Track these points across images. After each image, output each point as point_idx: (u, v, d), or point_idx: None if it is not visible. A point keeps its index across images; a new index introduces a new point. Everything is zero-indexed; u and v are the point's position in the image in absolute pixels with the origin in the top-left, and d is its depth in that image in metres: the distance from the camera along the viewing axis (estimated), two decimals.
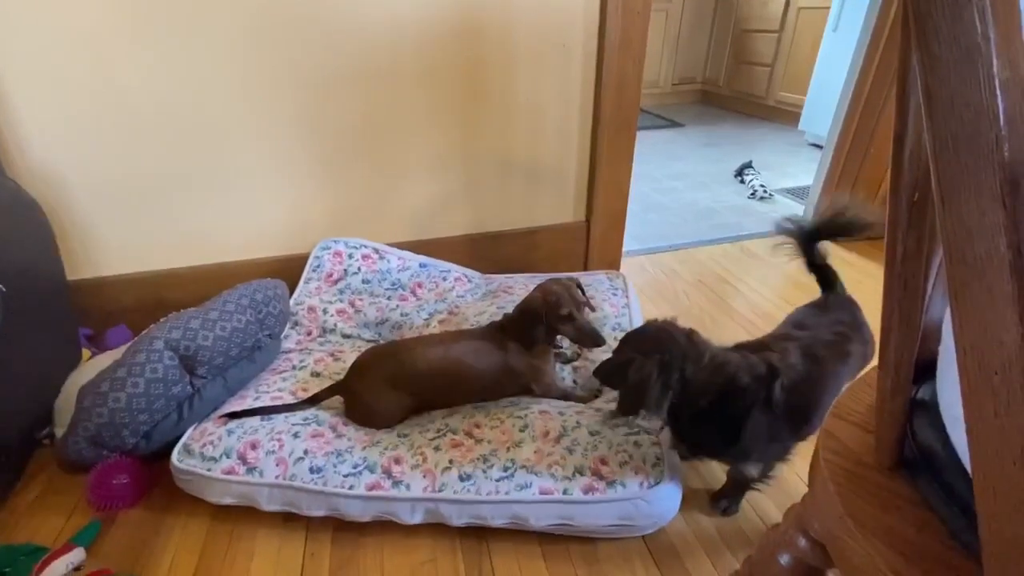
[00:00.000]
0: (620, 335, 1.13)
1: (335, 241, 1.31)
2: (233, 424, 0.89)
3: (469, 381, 0.96)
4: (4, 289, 0.88)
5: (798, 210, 2.05)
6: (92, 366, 1.00)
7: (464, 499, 0.80)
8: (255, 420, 0.90)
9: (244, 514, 0.86)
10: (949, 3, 0.22)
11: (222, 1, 1.05)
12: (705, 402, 0.71)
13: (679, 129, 3.39)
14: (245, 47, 1.10)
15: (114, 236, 1.21)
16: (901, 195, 0.33)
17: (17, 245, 0.98)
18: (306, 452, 0.85)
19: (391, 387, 0.93)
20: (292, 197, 1.28)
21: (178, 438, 0.89)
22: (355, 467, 0.84)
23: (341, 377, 0.97)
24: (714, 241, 1.84)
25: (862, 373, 0.58)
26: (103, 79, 1.06)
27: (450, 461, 0.84)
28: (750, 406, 0.70)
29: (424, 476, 0.82)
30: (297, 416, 0.92)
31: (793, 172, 2.52)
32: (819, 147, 2.23)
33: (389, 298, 1.29)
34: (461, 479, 0.82)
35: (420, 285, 1.34)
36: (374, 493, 0.81)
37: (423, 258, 1.38)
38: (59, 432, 0.94)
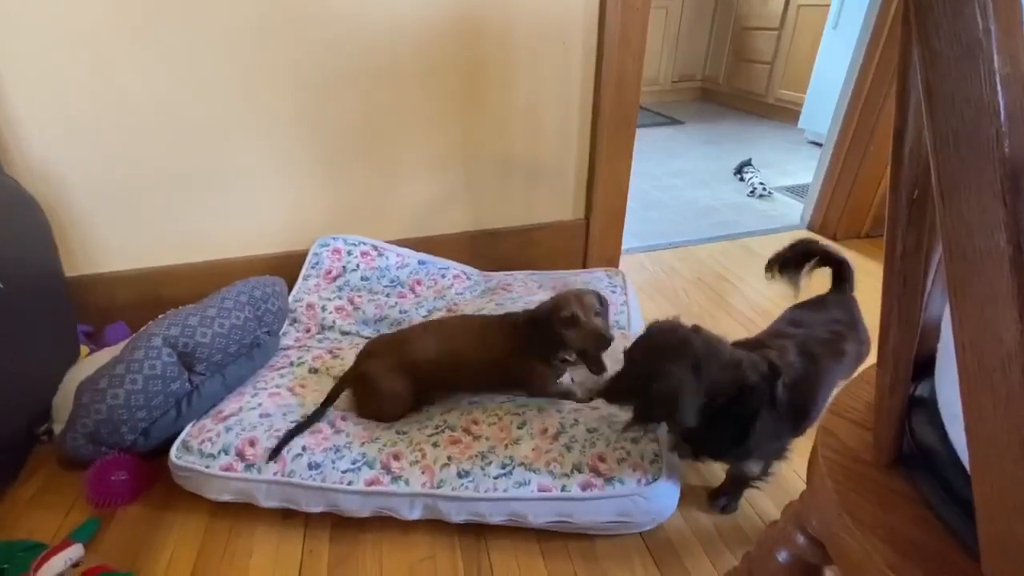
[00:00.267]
0: (619, 333, 1.13)
1: (334, 238, 1.31)
2: (231, 421, 0.89)
3: (469, 369, 0.96)
4: (2, 286, 0.88)
5: (797, 208, 2.05)
6: (90, 363, 1.00)
7: (462, 496, 0.80)
8: (254, 417, 0.90)
9: (243, 511, 0.86)
10: None
11: (222, 0, 1.05)
12: (720, 402, 0.69)
13: (679, 127, 3.39)
14: (245, 46, 1.10)
15: (113, 233, 1.21)
16: (901, 191, 0.33)
17: (16, 242, 0.98)
18: (304, 448, 0.85)
19: (398, 374, 0.93)
20: (291, 194, 1.28)
21: (176, 435, 0.89)
22: (354, 463, 0.84)
23: (340, 373, 0.97)
24: (713, 239, 1.84)
25: (860, 371, 0.58)
26: (103, 78, 1.06)
27: (448, 458, 0.84)
28: (759, 405, 0.69)
29: (423, 472, 0.82)
30: (295, 413, 0.92)
31: (793, 170, 2.52)
32: (819, 145, 2.23)
33: (388, 295, 1.29)
34: (459, 476, 0.82)
35: (419, 282, 1.34)
36: (373, 489, 0.81)
37: (422, 255, 1.38)
38: (57, 428, 0.94)
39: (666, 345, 0.71)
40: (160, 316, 0.94)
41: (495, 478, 0.81)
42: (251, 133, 1.19)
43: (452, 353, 0.95)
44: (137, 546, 0.82)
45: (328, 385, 1.02)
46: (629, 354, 0.75)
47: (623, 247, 1.60)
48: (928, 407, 0.43)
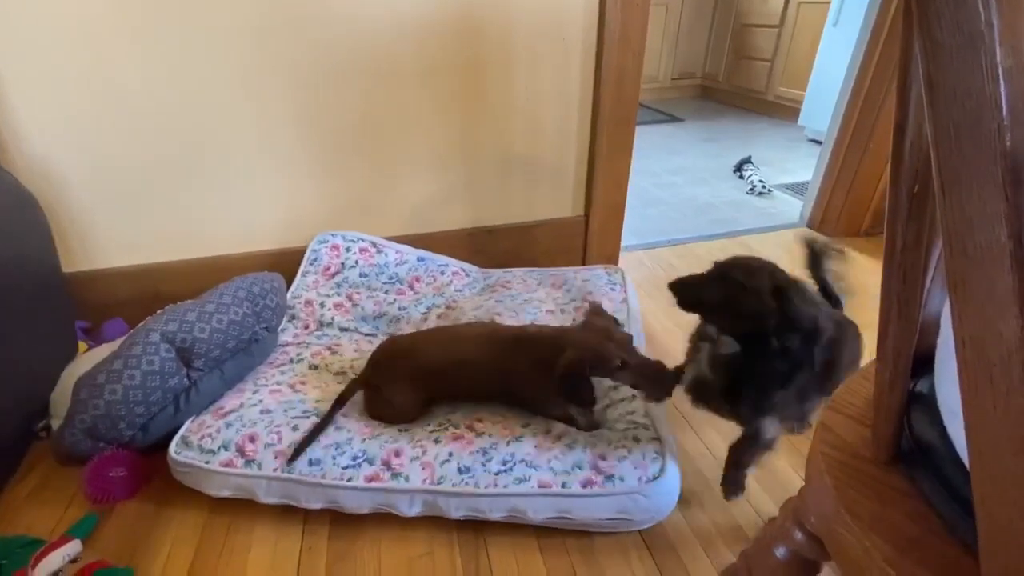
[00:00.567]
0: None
1: (332, 235, 1.31)
2: (232, 417, 0.89)
3: (480, 385, 0.94)
4: None
5: (797, 205, 2.05)
6: (88, 359, 0.99)
7: (462, 491, 0.80)
8: (254, 413, 0.90)
9: (241, 507, 0.86)
10: None
11: None
12: (781, 339, 0.68)
13: (678, 124, 3.38)
14: (244, 43, 1.10)
15: (111, 229, 1.21)
16: (901, 186, 0.33)
17: (14, 238, 0.97)
18: None
19: (408, 383, 0.92)
20: (290, 191, 1.28)
21: (175, 431, 0.89)
22: (354, 459, 0.84)
23: (340, 370, 0.97)
24: (713, 236, 1.84)
25: (860, 369, 0.58)
26: (102, 75, 1.06)
27: (450, 454, 0.84)
28: (810, 355, 0.68)
29: (423, 468, 0.82)
30: (296, 409, 0.92)
31: (792, 168, 2.52)
32: (818, 142, 2.23)
33: (387, 292, 1.29)
34: (460, 471, 0.82)
35: (418, 279, 1.34)
36: (373, 485, 0.81)
37: (421, 252, 1.37)
38: (55, 424, 0.94)
39: (760, 268, 0.71)
40: (158, 312, 0.94)
41: (496, 474, 0.81)
42: (250, 130, 1.18)
43: (462, 362, 0.92)
44: (135, 542, 0.82)
45: (328, 381, 1.02)
46: (719, 265, 0.74)
47: (622, 244, 1.59)
48: (927, 403, 0.43)
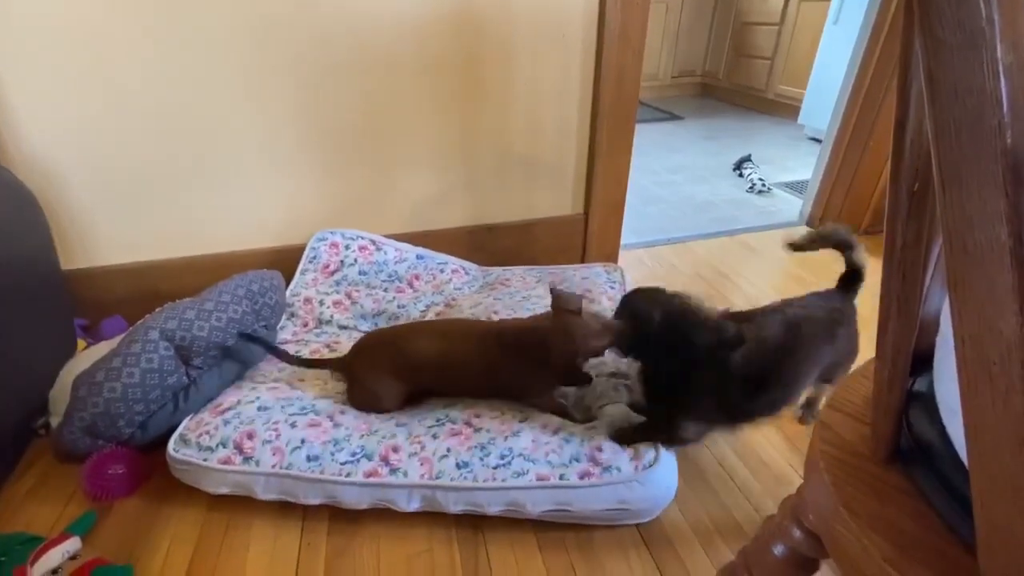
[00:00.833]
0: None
1: (331, 232, 1.31)
2: (229, 414, 0.89)
3: (461, 375, 0.94)
4: None
5: (796, 204, 2.05)
6: (87, 356, 0.99)
7: (461, 486, 0.80)
8: (252, 410, 0.90)
9: (240, 504, 0.86)
10: None
11: None
12: (679, 352, 0.76)
13: (678, 122, 3.38)
14: (243, 41, 1.09)
15: (110, 227, 1.20)
16: (901, 184, 0.33)
17: (13, 236, 0.97)
18: (303, 441, 0.85)
19: (390, 373, 0.93)
20: (289, 189, 1.27)
21: (174, 428, 0.89)
22: (353, 455, 0.84)
23: (344, 356, 0.97)
24: (712, 235, 1.84)
25: (858, 366, 0.58)
26: (101, 72, 1.05)
27: (448, 449, 0.84)
28: (705, 365, 0.75)
29: (421, 464, 0.82)
30: (294, 406, 0.92)
31: (792, 166, 2.52)
32: (818, 141, 2.23)
33: (386, 290, 1.29)
34: (458, 466, 0.82)
35: (417, 277, 1.33)
36: (371, 480, 0.81)
37: (420, 250, 1.37)
38: (54, 422, 0.94)
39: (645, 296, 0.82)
40: (157, 310, 0.94)
41: (494, 468, 0.81)
42: (250, 127, 1.18)
43: (445, 356, 0.92)
44: (134, 539, 0.82)
45: (326, 378, 1.02)
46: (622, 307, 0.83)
47: (622, 242, 1.59)
48: (926, 402, 0.43)
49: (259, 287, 1.03)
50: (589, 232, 1.51)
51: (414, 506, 0.82)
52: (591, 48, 1.29)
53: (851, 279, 0.88)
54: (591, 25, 1.26)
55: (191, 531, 0.84)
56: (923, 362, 0.44)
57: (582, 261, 1.56)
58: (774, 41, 3.28)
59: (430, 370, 0.93)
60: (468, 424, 0.90)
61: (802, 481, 0.52)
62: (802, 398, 0.99)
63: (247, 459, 0.83)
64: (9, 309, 0.92)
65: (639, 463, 0.81)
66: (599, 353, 0.85)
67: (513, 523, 0.84)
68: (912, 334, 0.38)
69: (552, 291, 0.85)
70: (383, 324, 1.22)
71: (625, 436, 0.85)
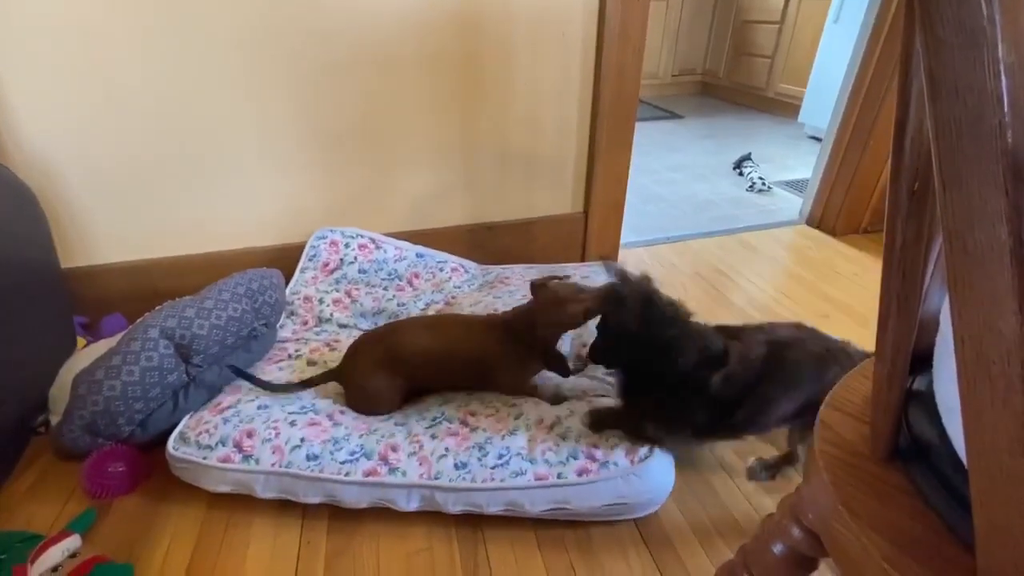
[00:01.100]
0: None
1: (331, 230, 1.31)
2: (229, 412, 0.89)
3: (451, 367, 0.96)
4: None
5: (796, 203, 2.05)
6: (87, 354, 0.99)
7: (459, 486, 0.80)
8: (251, 408, 0.90)
9: (240, 502, 0.86)
10: None
11: None
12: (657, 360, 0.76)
13: (678, 121, 3.38)
14: (243, 38, 1.09)
15: (110, 225, 1.20)
16: (901, 183, 0.33)
17: (12, 234, 0.97)
18: (303, 440, 0.85)
19: (383, 369, 0.93)
20: (289, 187, 1.27)
21: (174, 426, 0.89)
22: (352, 454, 0.84)
23: (337, 365, 0.97)
24: (712, 233, 1.84)
25: (858, 366, 0.58)
26: (100, 70, 1.05)
27: (446, 449, 0.84)
28: (680, 375, 0.75)
29: (420, 463, 0.83)
30: (294, 405, 0.92)
31: (792, 165, 2.52)
32: (819, 140, 2.23)
33: (386, 288, 1.29)
34: (456, 467, 0.82)
35: (417, 275, 1.33)
36: (370, 479, 0.81)
37: (420, 248, 1.37)
38: (54, 420, 0.94)
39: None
40: (157, 308, 0.94)
41: (492, 468, 0.81)
42: (249, 125, 1.18)
43: (435, 350, 0.94)
44: (134, 537, 0.82)
45: None
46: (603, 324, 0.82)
47: (621, 241, 1.59)
48: (925, 401, 0.43)
49: (259, 285, 1.03)
50: (589, 231, 1.51)
51: (413, 506, 0.82)
52: (591, 46, 1.29)
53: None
54: (591, 23, 1.26)
55: (191, 529, 0.84)
56: (922, 361, 0.44)
57: (582, 260, 1.56)
58: (774, 39, 3.28)
59: (421, 362, 0.94)
60: (464, 423, 0.90)
61: (801, 480, 0.52)
62: (775, 431, 0.93)
63: (247, 458, 0.83)
64: (9, 307, 0.92)
65: (634, 457, 0.81)
66: (582, 317, 0.86)
67: (512, 521, 0.84)
68: (912, 333, 0.38)
69: (531, 282, 0.92)
70: (383, 322, 1.22)
71: (599, 421, 0.86)
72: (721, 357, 0.74)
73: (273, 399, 0.93)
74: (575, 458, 0.82)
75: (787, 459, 0.92)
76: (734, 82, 3.73)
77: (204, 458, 0.84)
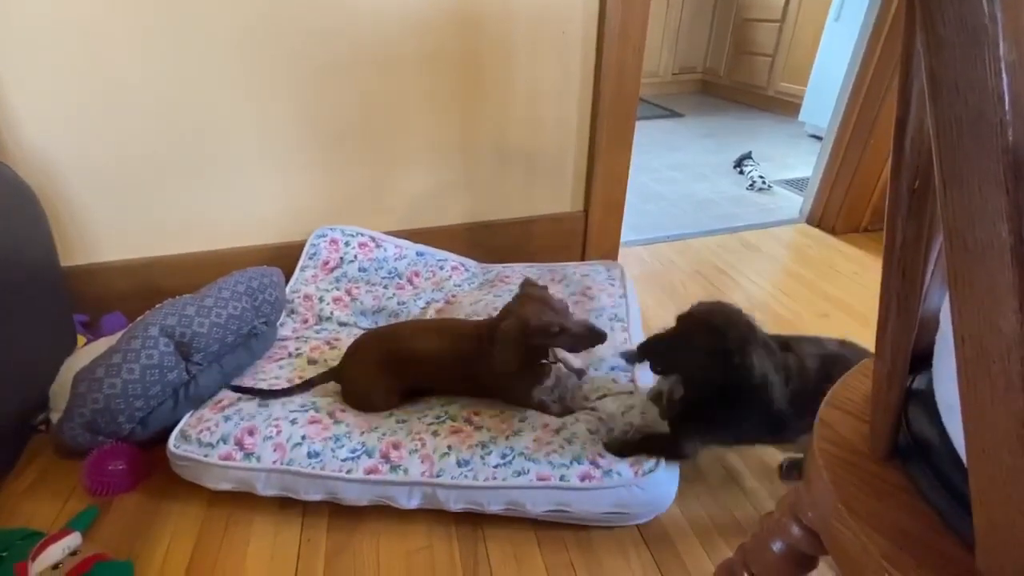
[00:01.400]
0: (618, 325, 1.13)
1: (331, 229, 1.31)
2: (230, 410, 0.89)
3: (455, 374, 0.95)
4: None
5: (797, 201, 2.05)
6: (87, 352, 0.99)
7: (461, 484, 0.80)
8: (252, 406, 0.90)
9: (240, 500, 0.86)
10: None
11: None
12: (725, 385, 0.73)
13: (679, 119, 3.37)
14: (243, 36, 1.09)
15: (110, 223, 1.20)
16: (902, 181, 0.33)
17: (12, 232, 0.97)
18: (304, 438, 0.85)
19: (381, 370, 0.93)
20: (289, 185, 1.27)
21: (174, 424, 0.89)
22: (353, 452, 0.84)
23: (337, 364, 0.98)
24: (712, 232, 1.84)
25: (858, 365, 0.58)
26: (101, 69, 1.05)
27: (448, 447, 0.84)
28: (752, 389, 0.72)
29: (422, 461, 0.83)
30: (295, 403, 0.92)
31: (793, 163, 2.52)
32: (819, 138, 2.22)
33: (386, 287, 1.29)
34: (459, 464, 0.82)
35: (417, 274, 1.33)
36: (372, 477, 0.81)
37: (420, 247, 1.37)
38: (55, 418, 0.94)
39: (719, 327, 0.73)
40: (157, 306, 0.94)
41: (494, 467, 0.82)
42: (249, 124, 1.18)
43: (435, 353, 0.93)
44: (135, 535, 0.83)
45: None
46: (681, 320, 0.77)
47: (621, 240, 1.59)
48: (925, 400, 0.43)
49: (259, 283, 1.03)
50: (589, 229, 1.51)
51: (414, 503, 0.82)
52: (591, 45, 1.29)
53: None
54: (591, 22, 1.26)
55: (192, 527, 0.84)
56: (922, 360, 0.44)
57: (582, 258, 1.56)
58: (775, 38, 3.27)
59: (419, 366, 0.94)
60: (468, 422, 0.90)
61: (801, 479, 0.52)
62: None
63: (248, 455, 0.83)
64: (9, 305, 0.92)
65: (639, 468, 0.81)
66: (550, 328, 0.82)
67: (513, 520, 0.84)
68: (912, 332, 0.38)
69: (524, 281, 0.91)
70: (383, 321, 1.22)
71: (623, 449, 0.84)
72: (786, 370, 0.73)
73: (274, 398, 0.93)
74: (579, 463, 0.82)
75: None
76: (735, 80, 3.73)
77: (205, 456, 0.84)
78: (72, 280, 1.19)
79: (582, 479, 0.80)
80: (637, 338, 1.10)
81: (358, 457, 0.83)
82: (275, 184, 1.26)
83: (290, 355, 1.07)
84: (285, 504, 0.86)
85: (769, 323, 1.34)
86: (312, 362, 1.06)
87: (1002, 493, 0.28)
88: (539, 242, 1.51)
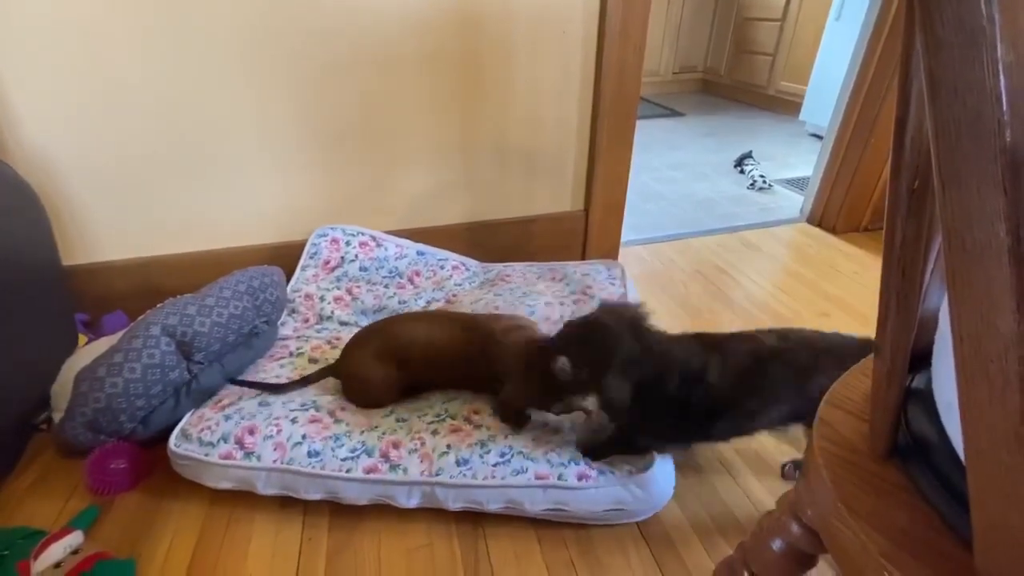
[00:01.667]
0: None
1: (332, 228, 1.31)
2: (231, 409, 0.89)
3: (454, 364, 0.95)
4: None
5: (797, 201, 2.05)
6: (89, 351, 1.00)
7: (460, 483, 0.81)
8: (253, 405, 0.90)
9: (241, 499, 0.87)
10: None
11: None
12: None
13: (679, 118, 3.37)
14: (243, 36, 1.09)
15: (110, 222, 1.20)
16: (901, 181, 0.33)
17: (13, 231, 0.97)
18: (304, 437, 0.85)
19: (379, 360, 0.93)
20: (289, 184, 1.27)
21: (175, 423, 0.89)
22: (353, 451, 0.84)
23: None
24: (713, 231, 1.84)
25: (858, 364, 0.58)
26: (101, 68, 1.05)
27: (448, 446, 0.84)
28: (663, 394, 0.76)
29: (422, 460, 0.83)
30: (295, 402, 0.92)
31: (793, 163, 2.52)
32: (820, 137, 2.23)
33: (387, 286, 1.29)
34: (458, 463, 0.82)
35: (418, 273, 1.34)
36: (371, 476, 0.81)
37: (421, 246, 1.37)
38: (56, 417, 0.94)
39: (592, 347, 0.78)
40: (158, 305, 0.94)
41: (493, 466, 0.82)
42: (249, 123, 1.18)
43: (430, 341, 0.94)
44: (136, 533, 0.83)
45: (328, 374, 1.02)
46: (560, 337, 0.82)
47: (622, 239, 1.59)
48: (924, 399, 0.43)
49: (260, 283, 1.03)
50: (589, 229, 1.51)
51: (414, 502, 0.82)
52: (592, 44, 1.29)
53: None
54: (592, 21, 1.26)
55: (193, 525, 0.84)
56: (922, 359, 0.44)
57: (582, 258, 1.56)
58: (776, 37, 3.27)
59: (417, 353, 0.94)
60: (468, 420, 0.90)
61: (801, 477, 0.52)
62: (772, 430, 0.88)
63: (248, 454, 0.84)
64: (10, 305, 0.93)
65: (635, 466, 0.81)
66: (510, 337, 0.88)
67: (513, 518, 0.84)
68: (911, 331, 0.38)
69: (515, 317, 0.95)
70: None
71: (596, 452, 0.85)
72: (700, 373, 0.75)
73: (274, 396, 0.94)
74: (576, 463, 0.82)
75: None
76: (735, 80, 3.73)
77: (206, 455, 0.84)
78: (73, 279, 1.19)
79: (579, 478, 0.80)
80: None
81: (358, 456, 0.83)
82: (275, 184, 1.26)
83: (291, 354, 1.07)
84: (286, 503, 0.87)
85: (770, 322, 1.34)
86: (313, 361, 1.06)
87: (1000, 492, 0.28)
88: (539, 242, 1.51)
